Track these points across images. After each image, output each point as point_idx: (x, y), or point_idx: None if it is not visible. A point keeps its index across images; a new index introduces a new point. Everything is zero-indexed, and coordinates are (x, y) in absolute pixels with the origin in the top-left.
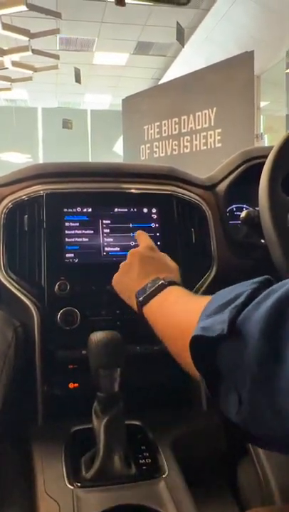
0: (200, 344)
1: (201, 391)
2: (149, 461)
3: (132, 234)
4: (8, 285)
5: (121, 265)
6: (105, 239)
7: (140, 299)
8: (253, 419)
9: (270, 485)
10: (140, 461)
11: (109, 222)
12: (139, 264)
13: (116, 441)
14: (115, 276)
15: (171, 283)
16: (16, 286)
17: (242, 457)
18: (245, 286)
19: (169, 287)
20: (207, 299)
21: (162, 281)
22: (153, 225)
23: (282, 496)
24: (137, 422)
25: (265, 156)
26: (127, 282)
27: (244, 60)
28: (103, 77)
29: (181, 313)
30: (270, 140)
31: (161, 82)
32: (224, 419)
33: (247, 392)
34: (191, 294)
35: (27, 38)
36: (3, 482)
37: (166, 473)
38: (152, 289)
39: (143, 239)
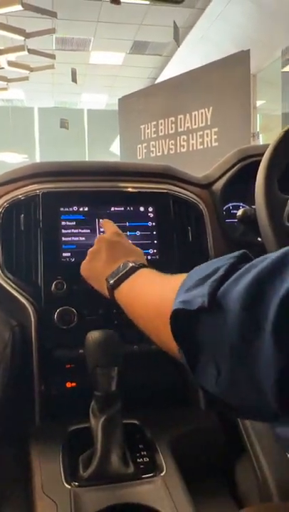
0: (180, 318)
1: (198, 390)
2: (147, 459)
3: (128, 233)
4: (4, 285)
5: (88, 252)
6: None
7: (111, 282)
8: (231, 389)
9: (268, 483)
10: (138, 459)
11: None
12: (106, 249)
13: (114, 440)
14: (83, 263)
15: (142, 266)
16: (13, 285)
17: (239, 455)
18: (222, 261)
19: (140, 269)
20: (182, 276)
21: (132, 264)
22: (150, 223)
23: (280, 493)
24: (134, 421)
25: (261, 155)
26: (95, 268)
27: (240, 59)
28: (100, 77)
29: (155, 292)
30: (265, 139)
31: (157, 81)
32: (222, 418)
33: (226, 363)
34: (163, 274)
35: (23, 38)
36: (1, 482)
37: (164, 471)
38: (123, 272)
39: (109, 226)
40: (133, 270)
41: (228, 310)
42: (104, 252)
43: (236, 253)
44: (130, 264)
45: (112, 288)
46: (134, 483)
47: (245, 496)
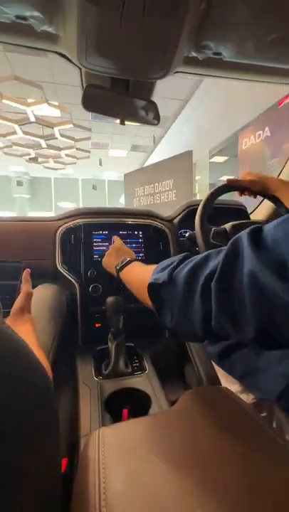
0: (153, 287)
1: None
2: (138, 364)
3: (128, 245)
4: (62, 271)
5: (106, 253)
6: None
7: (118, 267)
8: (178, 325)
9: (201, 375)
10: (133, 364)
11: None
12: (115, 252)
13: (120, 354)
14: (103, 259)
15: (134, 260)
16: (67, 272)
17: (186, 361)
18: (176, 258)
19: (133, 262)
20: (155, 266)
21: (129, 259)
22: (140, 240)
23: (208, 381)
24: (131, 344)
25: (198, 204)
26: (110, 261)
27: (187, 155)
28: (114, 163)
29: (141, 274)
30: (200, 196)
31: (144, 165)
32: (177, 341)
33: (176, 311)
34: (146, 265)
35: (73, 142)
36: (60, 376)
37: (147, 370)
38: (124, 263)
39: (117, 240)
40: (129, 262)
41: (177, 283)
42: (114, 253)
43: (183, 254)
44: (128, 259)
45: (118, 272)
46: (131, 377)
47: (189, 382)
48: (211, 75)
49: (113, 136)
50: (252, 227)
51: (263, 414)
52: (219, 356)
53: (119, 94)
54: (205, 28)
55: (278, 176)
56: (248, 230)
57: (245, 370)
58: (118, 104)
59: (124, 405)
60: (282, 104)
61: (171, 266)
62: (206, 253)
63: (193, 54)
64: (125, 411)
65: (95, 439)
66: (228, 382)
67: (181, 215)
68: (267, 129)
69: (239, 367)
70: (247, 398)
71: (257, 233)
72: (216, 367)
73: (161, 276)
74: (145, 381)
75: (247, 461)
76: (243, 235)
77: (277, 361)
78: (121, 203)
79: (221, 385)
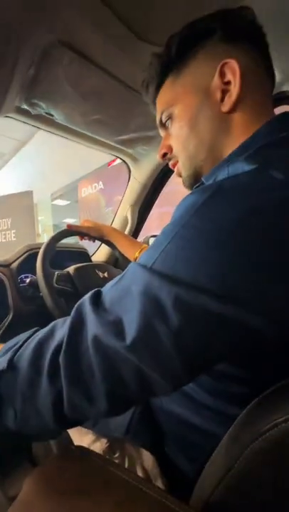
0: None
1: None
2: None
3: None
4: None
5: None
6: None
7: None
8: (25, 423)
9: (50, 442)
10: None
11: None
12: None
13: None
14: None
15: None
16: None
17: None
18: (23, 335)
19: None
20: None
21: None
22: None
23: (58, 444)
24: None
25: (39, 248)
26: None
27: (27, 195)
28: None
29: None
30: (46, 236)
31: None
32: None
33: (19, 403)
34: None
35: None
36: None
37: None
38: None
39: None
40: None
41: (20, 368)
42: None
43: (32, 330)
44: None
45: None
46: None
47: (38, 456)
48: (45, 130)
49: None
50: (92, 291)
51: (116, 456)
52: None
53: None
54: (35, 88)
55: (111, 223)
56: (89, 294)
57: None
58: None
59: None
60: (111, 165)
61: (14, 348)
62: (52, 324)
63: (25, 107)
64: None
65: None
66: (81, 436)
67: (19, 260)
68: (101, 182)
69: None
70: (100, 446)
71: (97, 297)
72: None
73: (1, 363)
74: None
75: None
76: (85, 300)
77: None
78: None
79: (73, 444)
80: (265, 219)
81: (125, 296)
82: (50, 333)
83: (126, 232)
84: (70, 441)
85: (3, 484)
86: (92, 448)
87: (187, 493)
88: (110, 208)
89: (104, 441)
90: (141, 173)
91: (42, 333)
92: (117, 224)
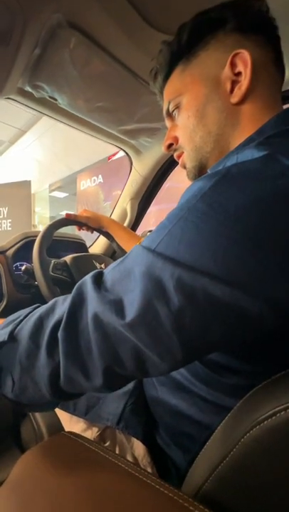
0: None
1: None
2: None
3: None
4: None
5: None
6: None
7: None
8: (22, 392)
9: (40, 427)
10: None
11: None
12: None
13: None
14: None
15: None
16: None
17: (22, 417)
18: (24, 311)
19: None
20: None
21: None
22: None
23: (49, 431)
24: None
25: (36, 236)
26: None
27: (25, 184)
28: None
29: None
30: (41, 227)
31: None
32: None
33: (18, 373)
34: None
35: None
36: None
37: None
38: None
39: None
40: None
41: (20, 340)
42: None
43: (34, 306)
44: None
45: None
46: None
47: (28, 442)
48: (47, 115)
49: None
50: (94, 271)
51: (106, 444)
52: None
53: None
54: (39, 70)
55: (110, 216)
56: (90, 274)
57: (88, 405)
58: None
59: None
60: (111, 159)
61: (16, 321)
62: (53, 300)
63: (29, 89)
64: None
65: None
66: (72, 424)
67: (15, 247)
68: (100, 176)
69: (82, 404)
70: (91, 434)
71: (99, 277)
72: (58, 412)
73: (1, 335)
74: None
75: (93, 492)
76: (87, 279)
77: None
78: None
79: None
80: (273, 206)
81: (127, 276)
82: (51, 309)
83: (125, 224)
84: (61, 428)
85: None
86: None
87: (178, 483)
88: (109, 202)
89: (95, 429)
90: (143, 166)
91: (43, 308)
92: (116, 215)
